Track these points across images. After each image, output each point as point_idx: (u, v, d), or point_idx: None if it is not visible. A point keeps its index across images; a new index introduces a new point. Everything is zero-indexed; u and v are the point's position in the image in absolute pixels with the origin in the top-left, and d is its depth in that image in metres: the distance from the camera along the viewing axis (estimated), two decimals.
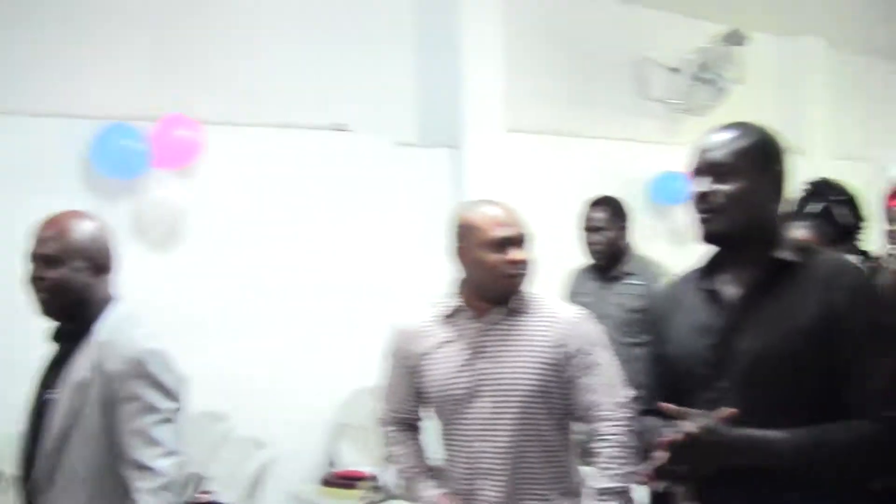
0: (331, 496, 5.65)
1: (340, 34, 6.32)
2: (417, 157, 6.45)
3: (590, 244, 5.47)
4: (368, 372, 5.52)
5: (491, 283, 3.22)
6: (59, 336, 3.12)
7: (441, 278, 5.86)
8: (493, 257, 3.18)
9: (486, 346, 3.24)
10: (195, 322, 5.21)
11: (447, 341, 3.30)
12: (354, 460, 5.91)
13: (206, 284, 5.62)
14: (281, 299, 5.86)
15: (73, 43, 5.47)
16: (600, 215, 5.45)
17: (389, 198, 6.27)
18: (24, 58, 5.33)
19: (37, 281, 3.02)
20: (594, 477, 3.13)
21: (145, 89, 5.59)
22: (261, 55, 6.02)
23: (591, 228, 5.46)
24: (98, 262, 3.05)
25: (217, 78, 5.85)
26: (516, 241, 3.22)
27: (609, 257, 5.43)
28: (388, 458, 3.56)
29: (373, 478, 5.52)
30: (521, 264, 3.23)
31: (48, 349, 3.15)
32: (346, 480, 5.68)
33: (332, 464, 5.95)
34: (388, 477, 5.46)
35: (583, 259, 5.57)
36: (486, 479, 3.19)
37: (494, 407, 3.18)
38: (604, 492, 3.08)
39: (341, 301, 6.01)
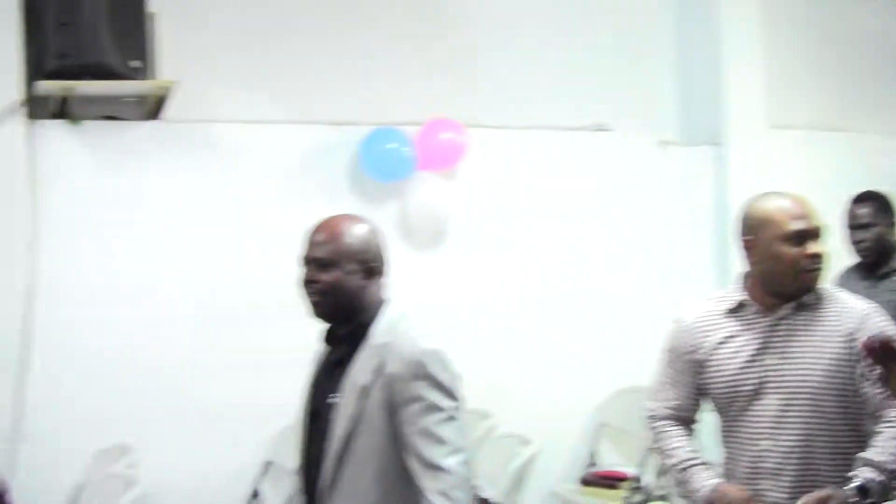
0: (591, 496, 5.64)
1: (601, 33, 6.29)
2: (679, 155, 6.35)
3: (856, 242, 5.27)
4: (630, 372, 5.55)
5: (787, 277, 3.13)
6: (331, 338, 3.14)
7: (704, 276, 5.87)
8: (791, 251, 3.09)
9: (773, 342, 3.15)
10: (458, 322, 5.29)
11: (732, 336, 3.21)
12: (615, 461, 5.89)
13: (470, 285, 5.73)
14: (543, 299, 5.90)
15: (341, 52, 5.70)
16: (865, 211, 5.24)
17: (651, 197, 6.18)
18: (297, 69, 5.61)
19: (310, 284, 3.02)
20: (869, 450, 2.98)
21: (411, 94, 5.76)
22: (523, 57, 6.07)
23: (856, 226, 5.26)
24: (370, 265, 3.03)
25: (481, 81, 5.95)
26: (813, 235, 3.12)
27: (877, 254, 5.22)
28: (658, 453, 3.46)
29: (634, 479, 5.49)
30: (819, 258, 3.13)
31: (318, 350, 3.22)
32: (606, 480, 5.67)
33: (592, 463, 5.94)
34: (650, 478, 5.42)
35: (849, 258, 5.38)
36: (770, 479, 3.09)
37: (781, 405, 3.09)
38: (873, 464, 2.93)
39: (603, 301, 5.99)
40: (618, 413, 5.89)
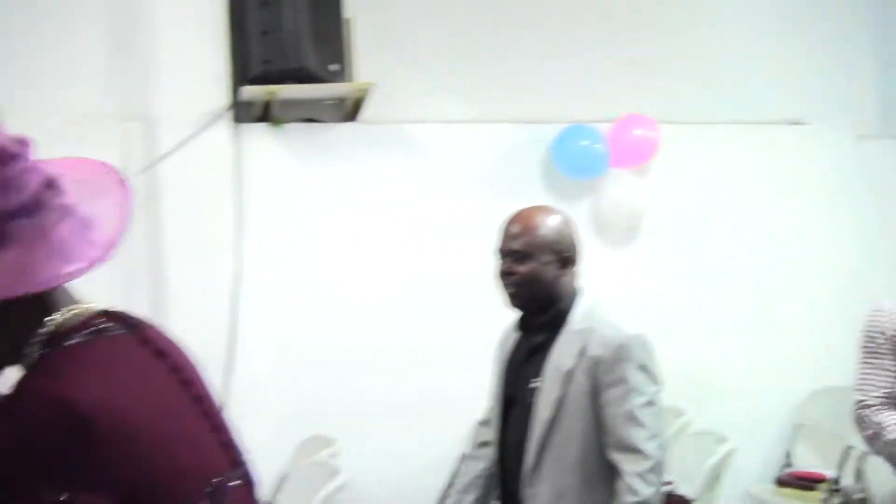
0: (786, 496, 5.54)
1: (796, 24, 6.16)
2: (879, 149, 6.17)
3: None
4: (828, 373, 5.45)
5: None
6: (526, 325, 3.23)
7: None
8: None
9: None
10: (652, 318, 5.24)
11: None
12: (812, 462, 5.77)
13: (664, 282, 5.70)
14: (738, 296, 5.84)
15: (534, 50, 5.75)
16: None
17: (849, 192, 6.04)
18: (490, 68, 5.68)
19: (506, 275, 3.12)
20: None
21: (604, 91, 5.75)
22: (715, 51, 6.00)
23: None
24: (565, 255, 3.11)
25: (673, 76, 5.89)
26: None
27: None
28: (872, 438, 3.33)
29: (832, 480, 5.37)
30: None
31: (505, 338, 3.31)
32: (803, 481, 5.56)
33: (788, 464, 5.84)
34: (849, 480, 5.30)
35: None
36: None
37: None
38: None
39: (801, 299, 5.91)
40: (815, 413, 5.78)
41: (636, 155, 5.64)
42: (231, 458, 1.77)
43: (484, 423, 3.51)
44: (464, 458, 3.53)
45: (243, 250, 5.20)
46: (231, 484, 1.73)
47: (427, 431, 5.28)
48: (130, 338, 1.70)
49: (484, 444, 3.43)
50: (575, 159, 5.57)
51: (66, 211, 1.57)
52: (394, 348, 5.34)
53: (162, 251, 5.06)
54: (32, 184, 1.54)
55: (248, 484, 1.79)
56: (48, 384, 1.53)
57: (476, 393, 3.62)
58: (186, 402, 1.73)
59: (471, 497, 3.39)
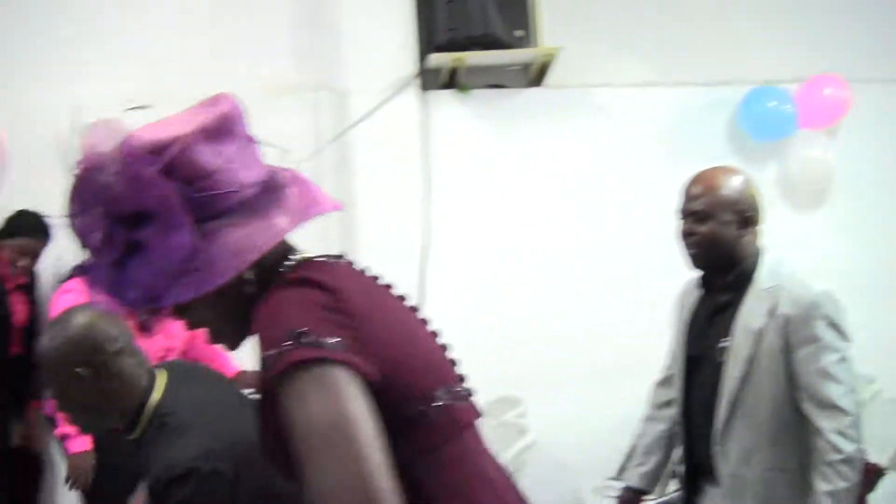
0: None
1: None
2: None
3: None
4: None
5: None
6: (709, 286, 3.22)
7: None
8: None
9: None
10: (843, 282, 5.11)
11: None
12: None
13: (853, 245, 5.59)
14: None
15: (719, 11, 5.69)
16: None
17: None
18: (675, 30, 5.64)
19: (687, 236, 3.13)
20: None
21: (793, 51, 5.64)
22: None
23: None
24: (746, 214, 3.09)
25: (863, 34, 5.74)
26: None
27: None
28: None
29: None
30: None
31: (684, 298, 3.33)
32: None
33: None
34: None
35: None
36: None
37: None
38: None
39: None
40: None
41: (825, 115, 5.53)
42: (457, 374, 1.90)
43: (662, 383, 3.54)
44: (644, 420, 3.56)
45: (431, 215, 5.32)
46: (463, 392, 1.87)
47: (613, 392, 5.26)
48: (364, 272, 1.89)
49: (664, 405, 3.46)
50: (762, 121, 5.50)
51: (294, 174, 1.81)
52: (578, 309, 5.39)
53: (353, 217, 5.20)
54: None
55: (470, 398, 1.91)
56: (305, 274, 1.70)
57: (661, 354, 3.65)
58: (419, 321, 1.89)
59: (654, 459, 3.44)
